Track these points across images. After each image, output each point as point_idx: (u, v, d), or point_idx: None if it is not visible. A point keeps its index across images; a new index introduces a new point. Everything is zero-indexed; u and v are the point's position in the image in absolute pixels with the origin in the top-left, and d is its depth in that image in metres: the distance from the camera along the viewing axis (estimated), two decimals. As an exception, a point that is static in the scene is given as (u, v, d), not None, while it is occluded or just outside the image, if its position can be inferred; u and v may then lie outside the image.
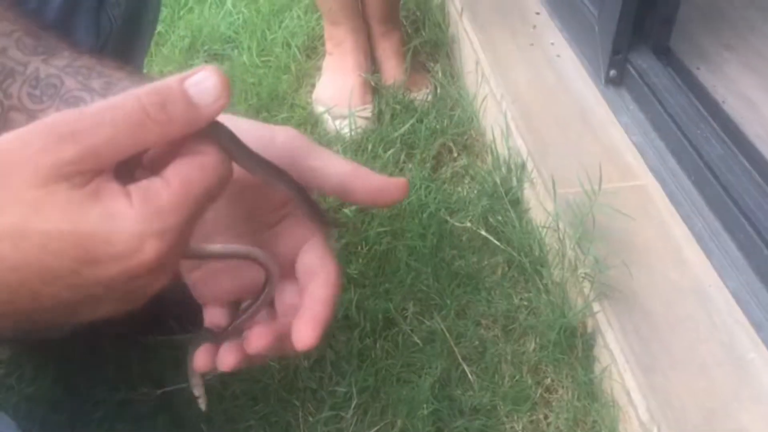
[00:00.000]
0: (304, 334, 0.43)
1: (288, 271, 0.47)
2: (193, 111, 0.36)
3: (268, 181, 0.43)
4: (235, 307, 0.48)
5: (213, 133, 0.37)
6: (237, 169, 0.41)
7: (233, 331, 0.46)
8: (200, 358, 0.46)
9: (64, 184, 0.33)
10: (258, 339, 0.44)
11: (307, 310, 0.44)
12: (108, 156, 0.34)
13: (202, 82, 0.36)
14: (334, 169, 0.44)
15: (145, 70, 0.95)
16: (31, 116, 0.48)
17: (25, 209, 0.33)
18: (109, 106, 0.35)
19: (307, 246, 0.46)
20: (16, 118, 0.48)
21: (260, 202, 0.46)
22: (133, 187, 0.35)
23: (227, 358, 0.45)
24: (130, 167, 0.36)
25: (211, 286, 0.48)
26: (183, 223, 0.35)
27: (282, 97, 1.46)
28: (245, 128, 0.43)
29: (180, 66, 1.54)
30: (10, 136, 0.34)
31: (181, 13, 1.68)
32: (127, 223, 0.34)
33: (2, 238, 0.33)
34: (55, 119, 0.34)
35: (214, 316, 0.49)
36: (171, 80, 0.36)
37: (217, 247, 0.44)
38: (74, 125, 0.34)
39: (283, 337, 0.44)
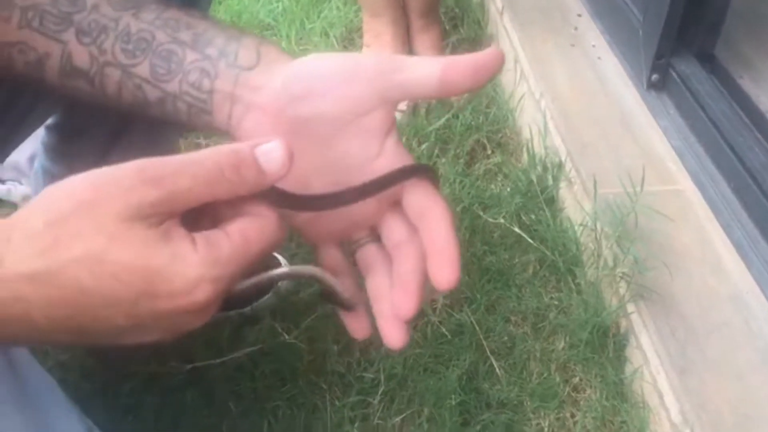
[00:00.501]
0: (445, 276, 0.43)
1: (393, 206, 0.47)
2: (262, 177, 0.41)
3: (332, 207, 0.45)
4: (346, 245, 0.48)
5: (271, 194, 0.42)
6: (328, 104, 0.44)
7: (348, 302, 0.47)
8: (357, 329, 0.47)
9: (143, 222, 0.37)
10: (408, 305, 0.44)
11: (437, 252, 0.43)
12: (183, 204, 0.39)
13: (272, 152, 0.41)
14: (425, 73, 0.44)
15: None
16: (125, 71, 0.48)
17: (106, 239, 0.37)
18: (191, 161, 0.39)
19: (411, 185, 0.46)
20: (111, 73, 0.49)
21: (358, 135, 0.45)
22: (198, 235, 0.39)
23: (396, 338, 0.45)
24: (196, 215, 0.40)
25: (320, 227, 0.47)
26: (235, 274, 0.40)
27: (318, 86, 1.46)
28: (330, 61, 0.45)
29: (219, 49, 1.54)
30: (103, 171, 0.38)
31: (222, -2, 1.69)
32: (190, 266, 0.38)
33: (82, 261, 0.37)
34: (144, 163, 0.38)
35: (328, 256, 0.49)
36: (245, 146, 0.41)
37: (278, 270, 0.46)
38: (160, 171, 0.38)
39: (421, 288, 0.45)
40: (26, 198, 1.14)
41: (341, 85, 0.44)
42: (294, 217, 0.46)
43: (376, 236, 0.48)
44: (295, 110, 0.45)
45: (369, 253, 0.48)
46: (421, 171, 0.46)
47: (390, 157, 0.46)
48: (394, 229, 0.47)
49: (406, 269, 0.45)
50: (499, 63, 0.44)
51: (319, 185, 0.46)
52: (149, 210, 0.37)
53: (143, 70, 0.48)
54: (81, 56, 0.49)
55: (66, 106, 0.81)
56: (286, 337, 1.02)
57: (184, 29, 0.49)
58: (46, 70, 0.50)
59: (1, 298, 0.37)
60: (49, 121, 0.87)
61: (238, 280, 0.40)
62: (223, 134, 0.49)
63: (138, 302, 0.38)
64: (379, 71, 0.44)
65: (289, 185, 0.43)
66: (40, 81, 0.51)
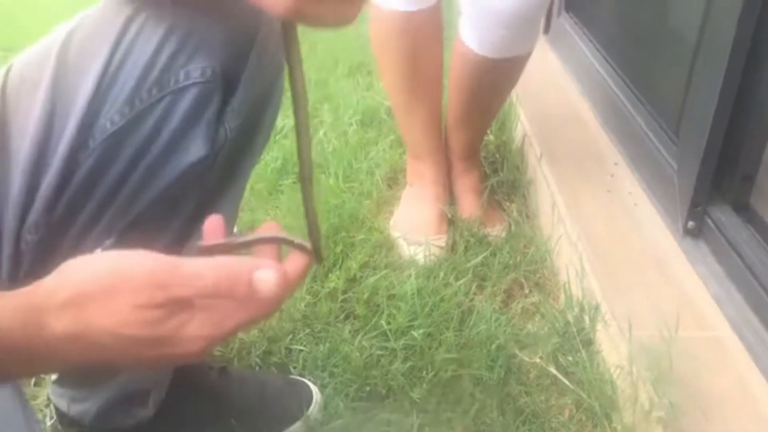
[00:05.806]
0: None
1: None
2: (253, 298, 0.51)
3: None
4: None
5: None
6: None
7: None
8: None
9: (151, 309, 0.49)
10: None
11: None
12: (183, 301, 0.50)
13: (267, 279, 0.51)
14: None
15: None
16: None
17: (122, 321, 0.49)
18: (195, 274, 0.50)
19: None
20: None
21: None
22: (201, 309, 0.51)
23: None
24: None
25: None
26: (230, 334, 0.51)
27: (362, 220, 1.52)
28: None
29: (270, 184, 1.63)
30: (122, 264, 0.50)
31: (277, 138, 1.80)
32: (188, 331, 0.50)
33: (105, 330, 0.49)
34: (155, 267, 0.50)
35: None
36: (245, 270, 0.50)
37: (242, 237, 0.56)
38: (166, 280, 0.49)
39: None
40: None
41: None
42: None
43: None
44: None
45: None
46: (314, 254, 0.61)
47: None
48: None
49: None
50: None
51: None
52: (155, 305, 0.49)
53: None
54: None
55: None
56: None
57: None
58: None
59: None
60: None
61: (231, 336, 0.52)
62: None
63: (147, 352, 0.50)
64: None
65: None
66: None
